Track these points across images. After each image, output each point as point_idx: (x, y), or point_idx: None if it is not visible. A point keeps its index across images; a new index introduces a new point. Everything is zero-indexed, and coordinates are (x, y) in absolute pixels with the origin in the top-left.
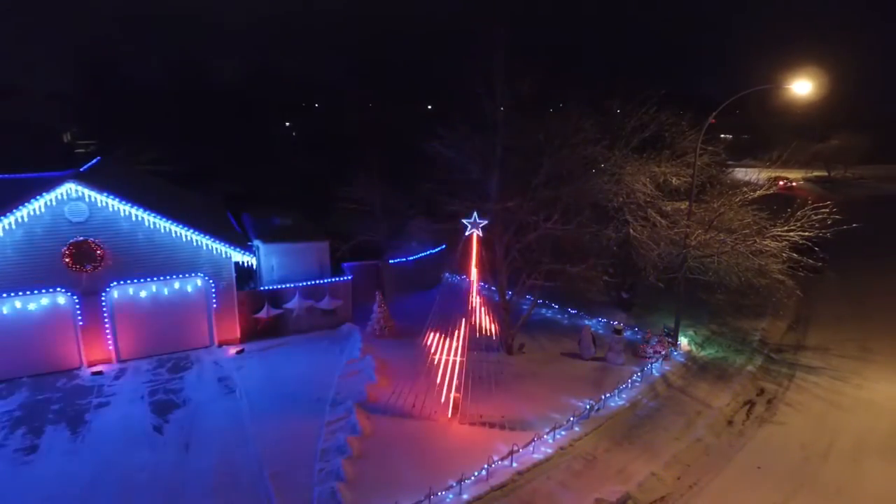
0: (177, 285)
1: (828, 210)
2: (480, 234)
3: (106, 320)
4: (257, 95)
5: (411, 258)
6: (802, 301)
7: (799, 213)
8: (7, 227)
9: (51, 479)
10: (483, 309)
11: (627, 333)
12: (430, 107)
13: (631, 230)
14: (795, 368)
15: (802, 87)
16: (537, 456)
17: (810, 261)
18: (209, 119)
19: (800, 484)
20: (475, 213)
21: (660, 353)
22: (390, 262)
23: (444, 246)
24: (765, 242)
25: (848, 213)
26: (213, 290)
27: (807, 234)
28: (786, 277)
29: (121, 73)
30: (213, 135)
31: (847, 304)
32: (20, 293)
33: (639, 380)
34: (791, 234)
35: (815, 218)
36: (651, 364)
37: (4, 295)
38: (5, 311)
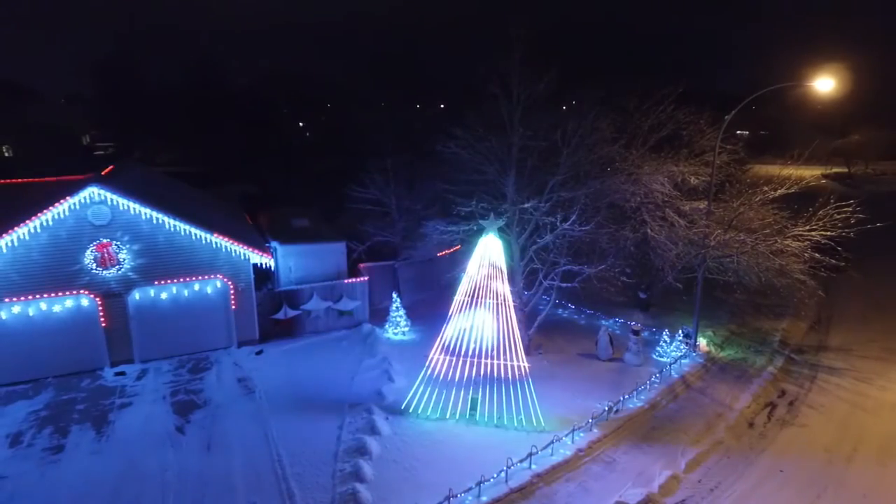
0: (196, 287)
1: (850, 209)
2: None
3: (128, 322)
4: (272, 96)
5: (427, 258)
6: (824, 301)
7: (821, 212)
8: (33, 230)
9: (77, 478)
10: (500, 310)
11: (645, 334)
12: (442, 106)
13: (649, 230)
14: (817, 370)
15: (825, 84)
16: (556, 458)
17: (832, 260)
18: (224, 120)
19: (824, 488)
20: (492, 215)
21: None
22: (406, 262)
23: (459, 246)
24: (786, 242)
25: (870, 211)
26: (232, 291)
27: (829, 233)
28: (807, 277)
29: (138, 76)
30: (229, 136)
31: (870, 304)
32: (45, 296)
33: (657, 381)
34: (813, 233)
35: (838, 217)
36: (670, 365)
37: (30, 297)
38: (31, 313)
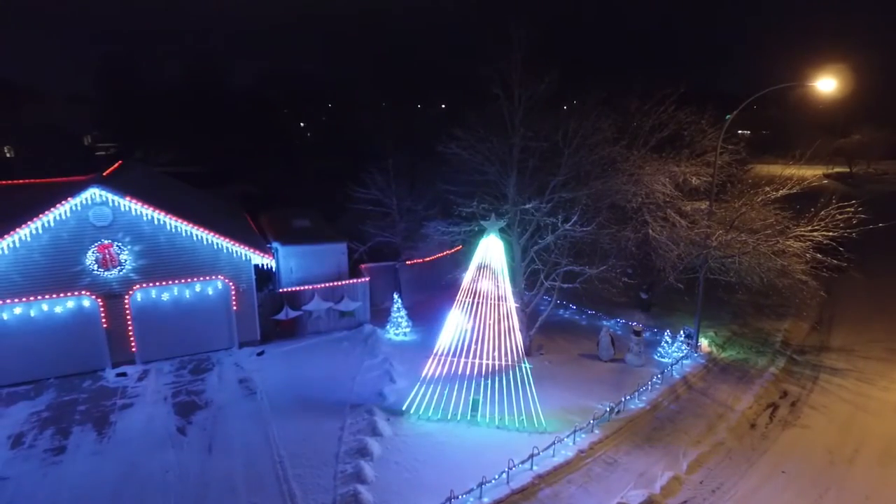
0: (198, 288)
1: (852, 209)
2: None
3: (129, 323)
4: (272, 96)
5: (428, 259)
6: (826, 301)
7: (823, 212)
8: (34, 231)
9: (79, 479)
10: (501, 311)
11: (646, 334)
12: (443, 106)
13: (650, 231)
14: (819, 370)
15: (826, 84)
16: (558, 459)
17: (834, 261)
18: (225, 121)
19: (826, 489)
20: (493, 216)
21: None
22: (406, 263)
23: (460, 247)
24: (788, 242)
25: (872, 211)
26: (233, 292)
27: (831, 233)
28: (809, 278)
29: (139, 77)
30: (229, 136)
31: (872, 305)
32: (47, 297)
33: (659, 381)
34: (815, 233)
35: (840, 217)
36: (671, 366)
37: (32, 298)
38: (33, 313)
